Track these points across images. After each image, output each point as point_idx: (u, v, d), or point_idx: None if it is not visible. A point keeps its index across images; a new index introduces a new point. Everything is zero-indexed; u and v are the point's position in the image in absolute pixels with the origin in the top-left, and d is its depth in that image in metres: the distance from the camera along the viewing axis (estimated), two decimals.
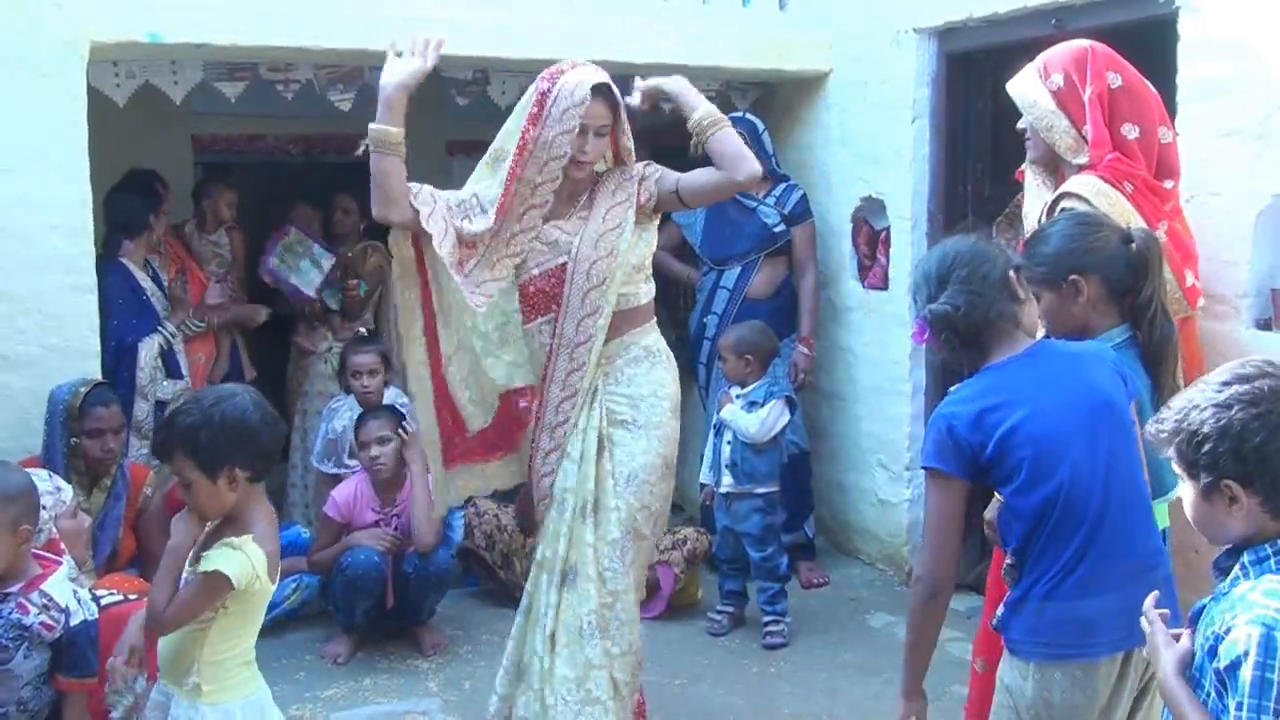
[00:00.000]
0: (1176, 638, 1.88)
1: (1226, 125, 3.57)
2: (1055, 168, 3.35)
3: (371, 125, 3.34)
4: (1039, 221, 3.16)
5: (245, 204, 5.95)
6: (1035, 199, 3.36)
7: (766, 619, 4.61)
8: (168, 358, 4.85)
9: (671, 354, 3.49)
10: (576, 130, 3.23)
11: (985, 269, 2.44)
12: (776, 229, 5.26)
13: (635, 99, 3.42)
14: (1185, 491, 1.88)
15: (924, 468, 2.46)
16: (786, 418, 4.65)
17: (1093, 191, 3.09)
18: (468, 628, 4.81)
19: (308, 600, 4.75)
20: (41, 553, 2.94)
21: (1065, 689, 2.33)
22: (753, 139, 5.23)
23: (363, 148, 3.36)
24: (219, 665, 2.61)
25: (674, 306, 5.80)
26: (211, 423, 2.55)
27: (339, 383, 5.42)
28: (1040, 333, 2.73)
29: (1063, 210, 3.08)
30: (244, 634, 2.67)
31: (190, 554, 2.64)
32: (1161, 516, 2.79)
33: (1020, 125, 3.35)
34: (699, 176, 3.37)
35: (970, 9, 4.59)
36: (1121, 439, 2.40)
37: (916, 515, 5.17)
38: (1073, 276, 2.73)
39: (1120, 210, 3.04)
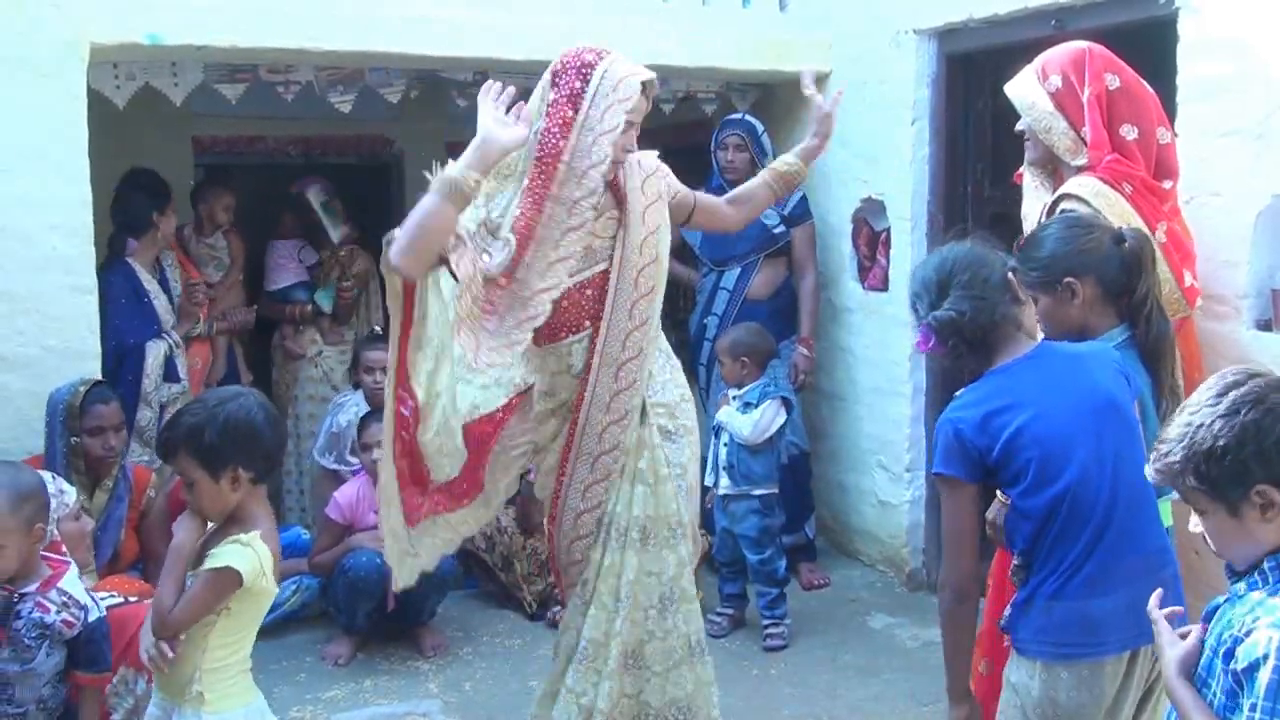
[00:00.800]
0: (1184, 636, 1.87)
1: (1226, 125, 3.56)
2: (1054, 169, 3.35)
3: (456, 169, 2.66)
4: (1039, 223, 3.16)
5: (245, 205, 5.97)
6: (1034, 201, 3.37)
7: (766, 622, 4.61)
8: (168, 362, 4.85)
9: None
10: (621, 129, 2.85)
11: (986, 273, 2.44)
12: (776, 230, 5.26)
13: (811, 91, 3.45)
14: (1209, 518, 1.84)
15: (935, 474, 2.46)
16: (782, 418, 4.65)
17: (1092, 193, 3.10)
18: (468, 629, 4.81)
19: (308, 602, 4.75)
20: (46, 554, 2.95)
21: (1072, 688, 2.34)
22: (752, 140, 5.25)
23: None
24: (219, 673, 2.61)
25: (674, 308, 5.79)
26: (216, 423, 2.56)
27: (350, 378, 5.43)
28: (1039, 335, 2.73)
29: (1062, 212, 3.08)
30: (243, 639, 2.67)
31: (192, 555, 2.64)
32: (1165, 515, 2.79)
33: (1019, 127, 3.36)
34: (716, 207, 3.37)
35: (970, 10, 4.59)
36: (1126, 438, 2.41)
37: (917, 517, 5.17)
38: (1067, 279, 2.73)
39: (1119, 211, 3.04)
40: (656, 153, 3.22)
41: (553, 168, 2.82)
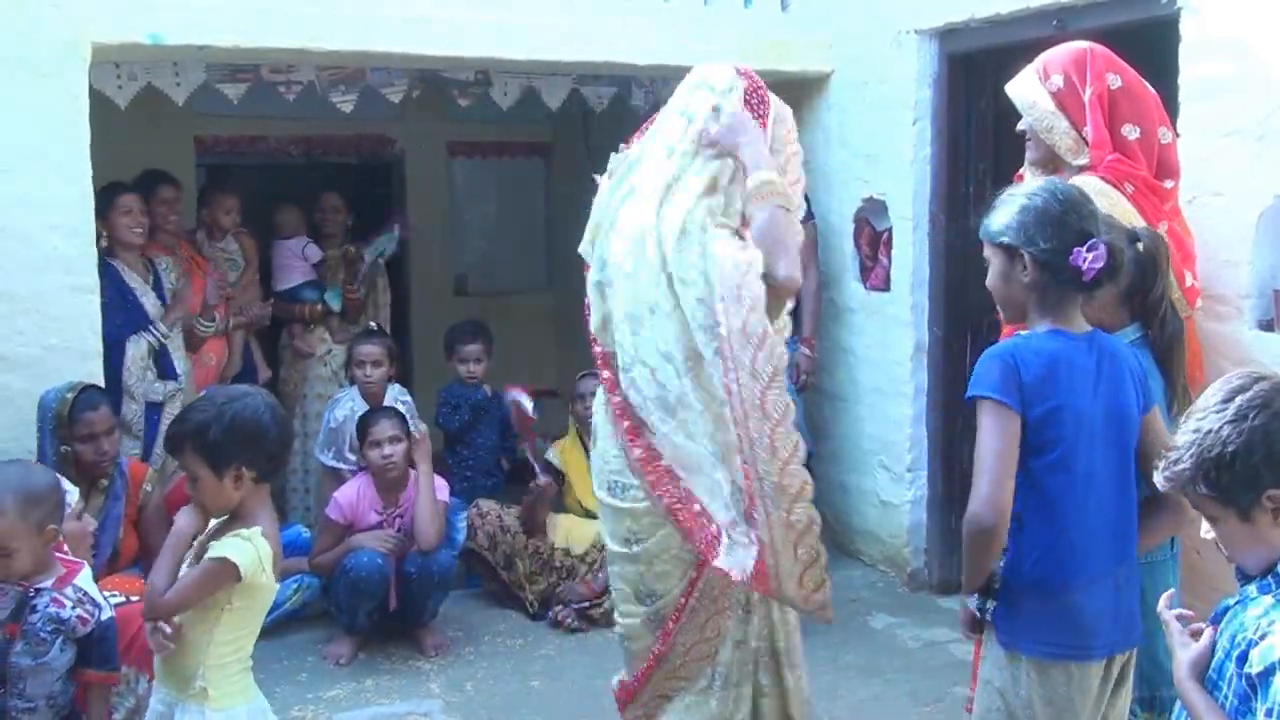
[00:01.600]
0: (1194, 635, 1.87)
1: (1227, 125, 3.56)
2: (1055, 169, 3.34)
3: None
4: None
5: (247, 205, 5.96)
6: None
7: None
8: (161, 358, 4.84)
9: None
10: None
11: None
12: None
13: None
14: (1221, 524, 1.84)
15: (981, 397, 2.34)
16: None
17: (1093, 192, 3.07)
18: (470, 629, 4.80)
19: (309, 601, 4.75)
20: (58, 554, 2.96)
21: (1061, 684, 2.35)
22: None
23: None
24: (222, 669, 2.61)
25: None
26: (222, 421, 2.57)
27: (345, 374, 5.44)
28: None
29: None
30: (245, 635, 2.68)
31: (193, 550, 2.65)
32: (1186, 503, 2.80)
33: (1020, 127, 3.35)
34: None
35: (971, 10, 4.59)
36: (1128, 448, 2.42)
37: (919, 517, 5.17)
38: None
39: (1121, 211, 3.04)
40: None
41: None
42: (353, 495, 4.66)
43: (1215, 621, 1.86)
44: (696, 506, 2.77)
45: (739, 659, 2.97)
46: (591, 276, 3.00)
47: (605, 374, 2.95)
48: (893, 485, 5.25)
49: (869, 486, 5.41)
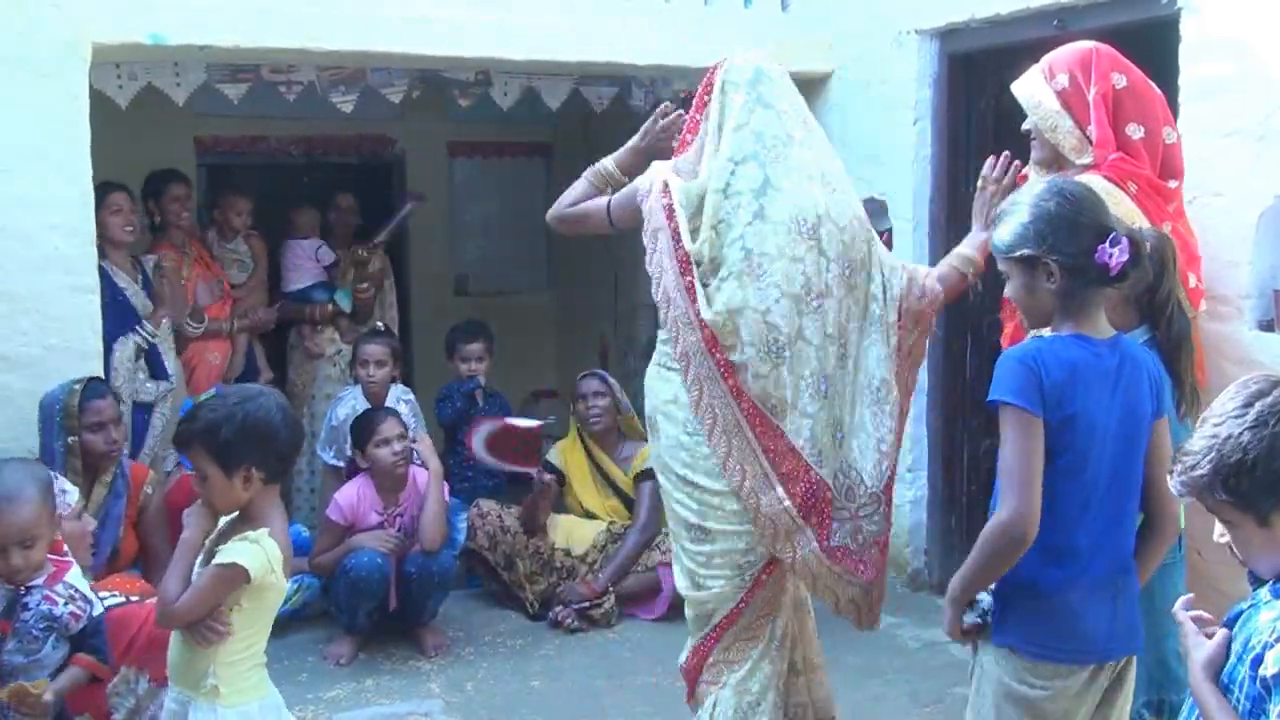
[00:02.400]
0: (1208, 636, 1.86)
1: (1228, 126, 3.56)
2: (1060, 169, 3.34)
3: None
4: None
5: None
6: None
7: None
8: (151, 359, 4.84)
9: None
10: None
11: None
12: None
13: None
14: (1237, 529, 1.83)
15: (1004, 403, 2.31)
16: None
17: (1097, 191, 3.09)
18: (470, 629, 4.80)
19: (309, 601, 4.75)
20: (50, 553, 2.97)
21: (1059, 688, 2.35)
22: None
23: None
24: (234, 667, 2.61)
25: None
26: (233, 421, 2.57)
27: (349, 374, 5.46)
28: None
29: None
30: (257, 634, 2.68)
31: (203, 552, 2.65)
32: (1179, 517, 2.79)
33: (1025, 126, 3.36)
34: None
35: (972, 10, 4.59)
36: (1137, 457, 2.41)
37: (919, 517, 5.17)
38: None
39: (1124, 210, 3.03)
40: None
41: None
42: (352, 496, 4.66)
43: (1228, 625, 1.85)
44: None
45: (791, 620, 3.13)
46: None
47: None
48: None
49: None
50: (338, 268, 6.07)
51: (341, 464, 5.06)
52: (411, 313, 7.70)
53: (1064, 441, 2.31)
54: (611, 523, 5.11)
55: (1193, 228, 3.36)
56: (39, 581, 2.85)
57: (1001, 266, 2.46)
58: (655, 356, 3.11)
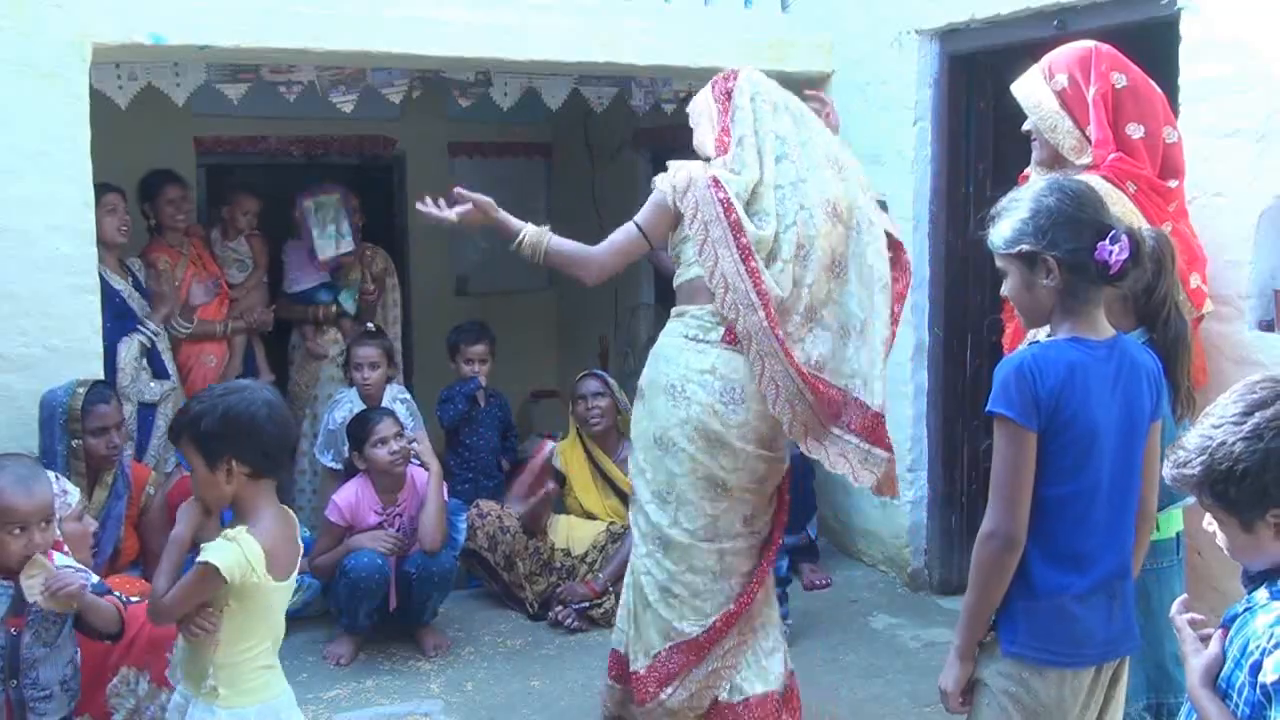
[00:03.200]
0: (1204, 640, 1.87)
1: (1228, 126, 3.57)
2: (1060, 169, 3.34)
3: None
4: None
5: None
6: None
7: None
8: (152, 358, 4.84)
9: None
10: None
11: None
12: None
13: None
14: (1224, 527, 1.84)
15: (998, 415, 2.31)
16: None
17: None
18: (470, 629, 4.81)
19: (309, 601, 4.75)
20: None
21: (1053, 686, 2.35)
22: None
23: None
24: (234, 668, 2.61)
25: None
26: (215, 412, 2.58)
27: (345, 376, 5.45)
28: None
29: None
30: (257, 635, 2.67)
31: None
32: (1177, 521, 2.79)
33: (1025, 127, 3.36)
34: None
35: (972, 10, 4.59)
36: (1134, 460, 2.40)
37: (919, 517, 5.17)
38: None
39: (1123, 211, 3.03)
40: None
41: None
42: (351, 497, 4.66)
43: (1224, 626, 1.85)
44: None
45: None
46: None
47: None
48: None
49: None
50: (341, 269, 6.07)
51: (340, 467, 5.06)
52: (412, 313, 7.70)
53: (1061, 445, 2.30)
54: (611, 523, 5.11)
55: (1194, 228, 3.37)
56: None
57: (1000, 264, 2.44)
58: (678, 329, 3.41)
